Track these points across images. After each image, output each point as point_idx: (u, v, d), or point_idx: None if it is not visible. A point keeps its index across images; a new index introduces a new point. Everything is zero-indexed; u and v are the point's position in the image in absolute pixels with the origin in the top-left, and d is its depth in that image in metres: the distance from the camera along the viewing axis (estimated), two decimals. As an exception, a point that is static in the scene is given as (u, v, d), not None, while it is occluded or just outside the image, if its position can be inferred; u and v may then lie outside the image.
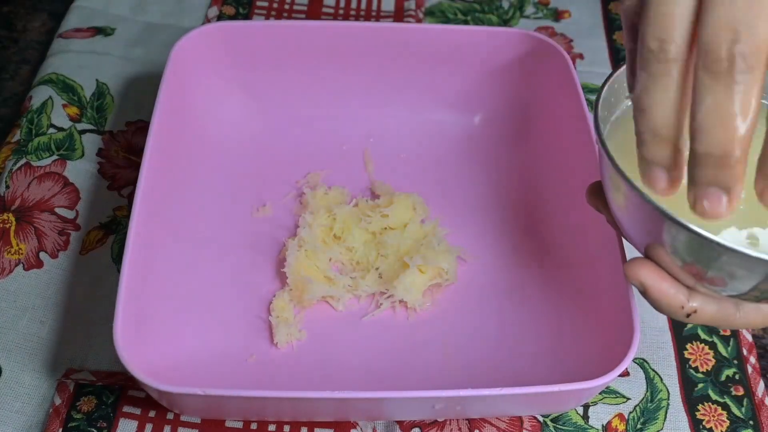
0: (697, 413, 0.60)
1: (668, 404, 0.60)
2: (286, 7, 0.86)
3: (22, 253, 0.66)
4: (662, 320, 0.65)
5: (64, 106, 0.75)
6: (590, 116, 0.65)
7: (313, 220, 0.65)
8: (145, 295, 0.58)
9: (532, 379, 0.57)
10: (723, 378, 0.62)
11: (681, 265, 0.43)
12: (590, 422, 0.59)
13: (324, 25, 0.72)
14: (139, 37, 0.82)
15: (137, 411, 0.59)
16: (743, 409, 0.60)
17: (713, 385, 0.61)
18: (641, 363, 0.62)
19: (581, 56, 0.83)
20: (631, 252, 0.70)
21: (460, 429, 0.58)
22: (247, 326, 0.62)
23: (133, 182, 0.70)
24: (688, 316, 0.45)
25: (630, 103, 0.43)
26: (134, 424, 0.58)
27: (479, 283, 0.65)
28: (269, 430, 0.58)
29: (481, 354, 0.61)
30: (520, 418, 0.59)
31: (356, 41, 0.69)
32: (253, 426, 0.58)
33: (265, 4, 0.86)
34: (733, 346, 0.63)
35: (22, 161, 0.71)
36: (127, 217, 0.66)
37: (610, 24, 0.86)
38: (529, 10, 0.87)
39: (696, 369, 0.62)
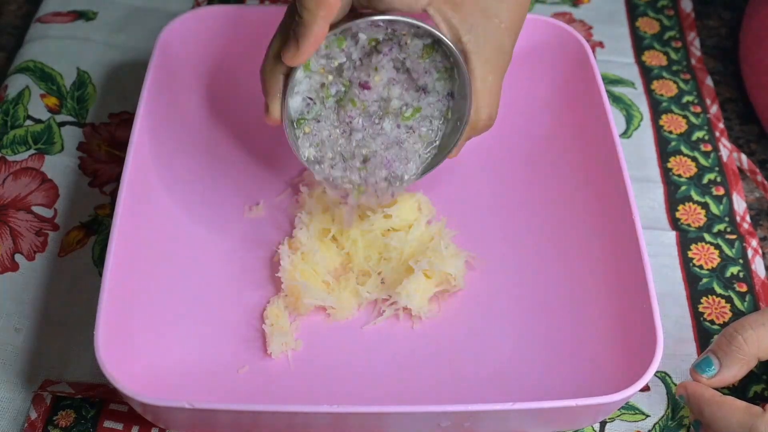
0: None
1: (690, 422, 0.60)
2: (283, -11, 0.85)
3: (-4, 255, 0.66)
4: (687, 330, 0.65)
5: (42, 96, 0.75)
6: (611, 110, 0.65)
7: (309, 221, 0.65)
8: (129, 301, 0.59)
9: (545, 394, 0.57)
10: (751, 395, 0.62)
11: None
12: (607, 440, 0.60)
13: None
14: (124, 21, 0.82)
15: (119, 426, 0.59)
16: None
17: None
18: (663, 377, 0.62)
19: (601, 44, 0.83)
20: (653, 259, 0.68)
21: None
22: (238, 334, 0.62)
23: (116, 179, 0.71)
24: None
25: None
26: (116, 439, 0.59)
27: (489, 290, 0.65)
28: (261, 446, 0.58)
29: (490, 366, 0.61)
30: (531, 436, 0.59)
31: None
32: (244, 442, 0.59)
33: (260, -14, 0.86)
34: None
35: (-3, 155, 0.71)
36: (110, 216, 0.67)
37: (633, 10, 0.86)
38: (546, -6, 0.87)
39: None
